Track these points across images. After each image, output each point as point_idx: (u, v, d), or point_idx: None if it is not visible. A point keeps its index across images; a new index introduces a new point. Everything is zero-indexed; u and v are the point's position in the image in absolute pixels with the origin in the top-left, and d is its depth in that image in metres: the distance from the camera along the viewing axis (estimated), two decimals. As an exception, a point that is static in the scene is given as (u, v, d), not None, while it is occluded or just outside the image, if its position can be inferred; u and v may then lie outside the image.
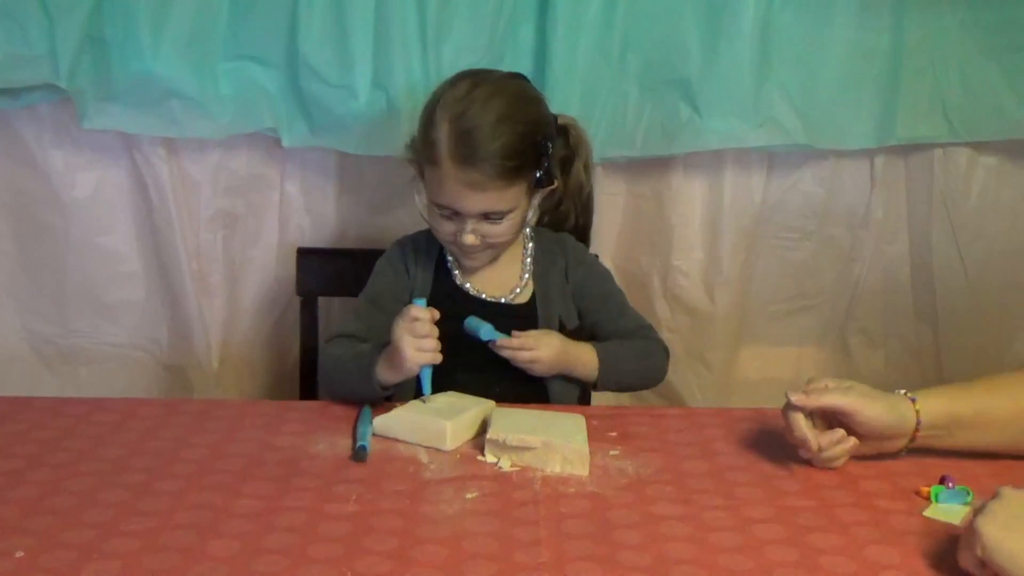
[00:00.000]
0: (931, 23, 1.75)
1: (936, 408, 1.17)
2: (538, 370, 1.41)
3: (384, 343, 1.34)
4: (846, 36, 1.75)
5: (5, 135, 1.73)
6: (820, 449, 1.16)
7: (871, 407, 1.15)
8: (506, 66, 1.68)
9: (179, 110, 1.67)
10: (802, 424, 1.15)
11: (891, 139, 1.81)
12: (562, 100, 1.65)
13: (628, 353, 1.49)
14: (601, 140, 1.74)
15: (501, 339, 1.39)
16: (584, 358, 1.45)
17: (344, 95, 1.68)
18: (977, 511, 0.94)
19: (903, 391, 1.19)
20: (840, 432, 1.16)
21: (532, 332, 1.41)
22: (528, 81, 1.49)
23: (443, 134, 1.35)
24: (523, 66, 1.71)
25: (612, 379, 1.48)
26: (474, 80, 1.39)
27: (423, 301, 1.33)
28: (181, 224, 1.78)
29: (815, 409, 1.17)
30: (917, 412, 1.16)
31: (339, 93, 1.68)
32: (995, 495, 0.95)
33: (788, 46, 1.73)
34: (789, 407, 1.16)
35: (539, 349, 1.39)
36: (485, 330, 1.39)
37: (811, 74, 1.76)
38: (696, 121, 1.73)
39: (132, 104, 1.65)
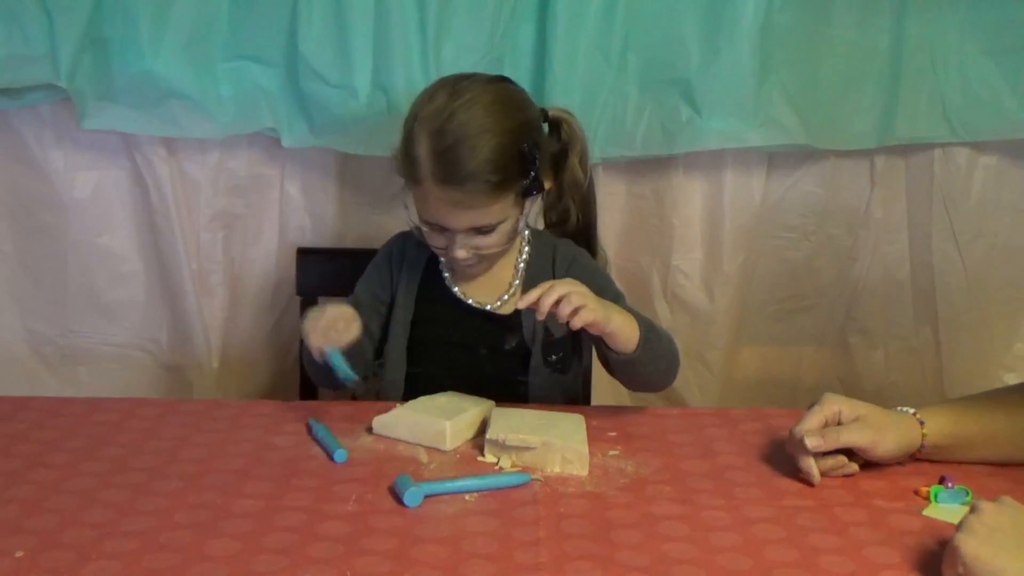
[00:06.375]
0: (931, 23, 1.74)
1: (940, 429, 1.19)
2: (587, 317, 1.21)
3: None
4: (846, 36, 1.74)
5: (5, 135, 1.73)
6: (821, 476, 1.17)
7: (883, 443, 1.15)
8: (506, 66, 1.68)
9: (179, 110, 1.67)
10: (810, 462, 1.16)
11: (891, 139, 1.80)
12: (562, 100, 1.64)
13: (658, 329, 1.35)
14: (601, 140, 1.74)
15: (526, 302, 1.22)
16: (619, 317, 1.28)
17: (344, 95, 1.68)
18: (958, 527, 0.95)
19: (911, 410, 1.20)
20: (841, 459, 1.17)
21: (549, 283, 1.23)
22: (511, 83, 1.43)
23: (423, 152, 1.32)
24: (523, 66, 1.71)
25: (650, 349, 1.30)
26: (452, 90, 1.34)
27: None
28: (181, 224, 1.78)
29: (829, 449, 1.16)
30: (924, 436, 1.18)
31: (339, 93, 1.68)
32: (972, 509, 0.96)
33: (788, 46, 1.73)
34: (801, 448, 1.15)
35: (574, 287, 1.22)
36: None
37: (811, 74, 1.75)
38: (696, 121, 1.73)
39: (132, 104, 1.66)
